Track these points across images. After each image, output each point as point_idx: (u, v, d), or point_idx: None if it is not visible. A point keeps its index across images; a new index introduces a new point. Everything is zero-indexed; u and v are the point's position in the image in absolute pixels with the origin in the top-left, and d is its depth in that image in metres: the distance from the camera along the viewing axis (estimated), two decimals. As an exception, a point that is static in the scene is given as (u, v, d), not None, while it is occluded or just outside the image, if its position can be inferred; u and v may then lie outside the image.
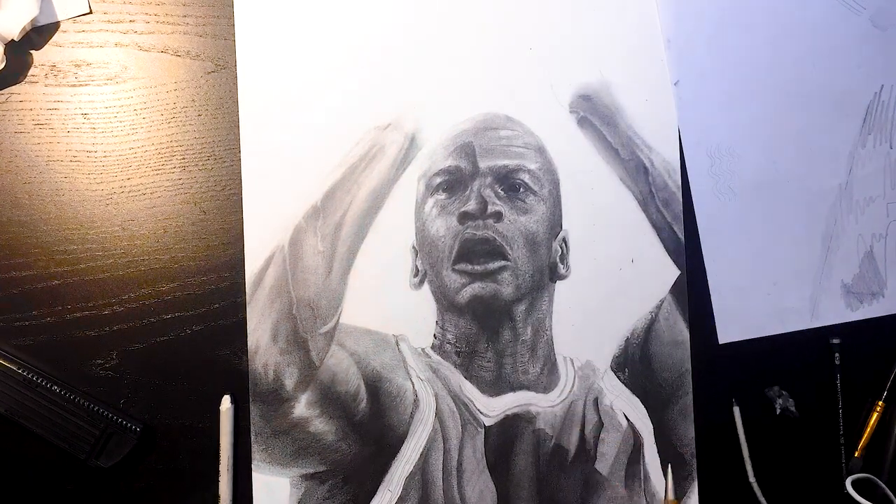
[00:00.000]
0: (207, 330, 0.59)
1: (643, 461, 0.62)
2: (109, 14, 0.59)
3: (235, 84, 0.60)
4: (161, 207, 0.59)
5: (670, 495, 0.61)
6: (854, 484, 0.61)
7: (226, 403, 0.58)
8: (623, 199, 0.63)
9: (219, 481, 0.58)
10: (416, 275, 0.61)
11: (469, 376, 0.61)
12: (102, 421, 0.57)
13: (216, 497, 0.58)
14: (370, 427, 0.60)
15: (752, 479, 0.62)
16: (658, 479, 0.62)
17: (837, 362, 0.64)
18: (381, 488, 0.60)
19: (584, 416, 0.62)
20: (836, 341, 0.64)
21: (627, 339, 0.62)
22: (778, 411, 0.63)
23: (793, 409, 0.63)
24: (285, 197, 0.59)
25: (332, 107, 0.60)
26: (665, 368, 0.63)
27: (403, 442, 0.60)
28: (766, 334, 0.64)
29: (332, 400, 0.60)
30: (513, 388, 0.61)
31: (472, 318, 0.61)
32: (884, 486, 0.63)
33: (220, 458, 0.58)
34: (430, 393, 0.60)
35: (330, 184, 0.60)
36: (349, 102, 0.60)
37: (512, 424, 0.61)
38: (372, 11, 0.61)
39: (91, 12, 0.59)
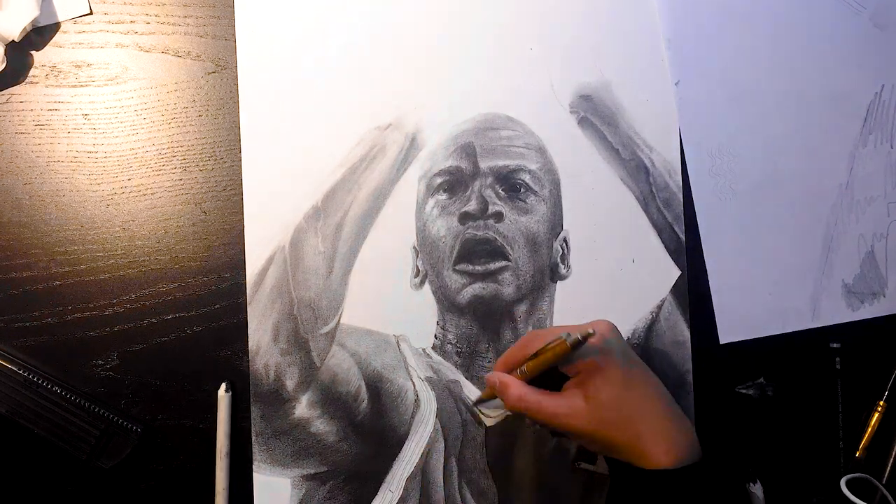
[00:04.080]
0: (208, 330, 0.59)
1: (644, 461, 0.62)
2: (110, 15, 0.59)
3: (236, 84, 0.60)
4: (162, 208, 0.59)
5: None
6: (851, 484, 0.61)
7: (223, 390, 0.58)
8: (624, 199, 0.63)
9: (215, 470, 0.58)
10: (416, 275, 0.61)
11: (470, 377, 0.61)
12: (103, 422, 0.57)
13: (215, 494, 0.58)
14: (371, 427, 0.60)
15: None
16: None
17: (838, 367, 0.64)
18: (381, 489, 0.60)
19: (585, 417, 0.62)
20: (836, 345, 0.64)
21: (628, 339, 0.62)
22: (757, 395, 0.63)
23: (770, 393, 0.63)
24: (286, 197, 0.59)
25: (333, 107, 0.60)
26: (666, 368, 0.62)
27: (404, 442, 0.60)
28: (767, 334, 0.64)
29: (332, 400, 0.59)
30: (514, 389, 0.61)
31: (473, 318, 0.61)
32: (881, 486, 0.62)
33: (217, 444, 0.58)
34: (430, 393, 0.60)
35: (330, 184, 0.60)
36: (350, 103, 0.60)
37: (513, 425, 0.61)
38: (372, 12, 0.61)
39: (91, 13, 0.59)
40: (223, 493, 0.58)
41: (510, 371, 0.54)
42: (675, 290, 0.63)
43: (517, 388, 0.52)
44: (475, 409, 0.60)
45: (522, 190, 0.62)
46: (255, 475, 0.59)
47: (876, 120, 0.66)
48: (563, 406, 0.50)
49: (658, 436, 0.49)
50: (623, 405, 0.49)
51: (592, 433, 0.50)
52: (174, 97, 0.59)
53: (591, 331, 0.48)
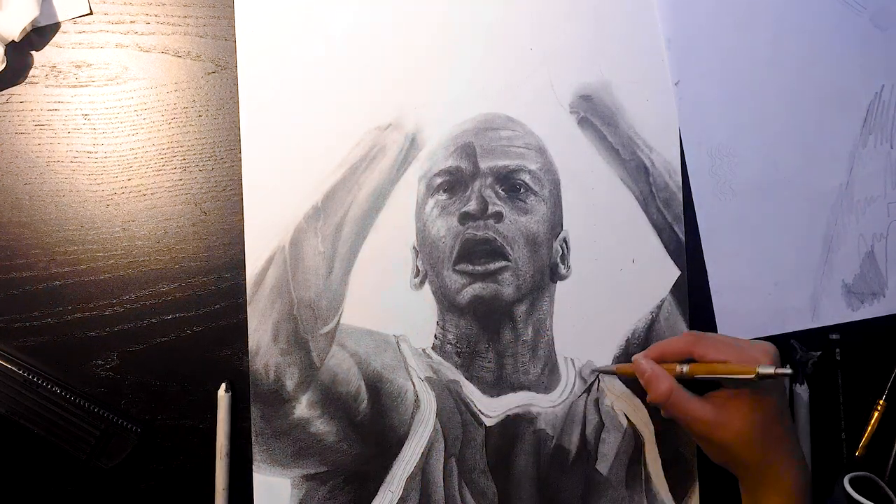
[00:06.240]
0: (208, 331, 0.59)
1: (644, 462, 0.62)
2: (110, 15, 0.59)
3: (236, 85, 0.60)
4: (161, 208, 0.59)
5: None
6: (854, 482, 0.61)
7: (223, 390, 0.58)
8: (624, 199, 0.63)
9: (215, 470, 0.58)
10: (416, 275, 0.61)
11: (470, 377, 0.61)
12: (103, 422, 0.57)
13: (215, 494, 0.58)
14: (371, 428, 0.60)
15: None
16: (659, 479, 0.62)
17: (838, 358, 0.64)
18: (382, 489, 0.60)
19: (584, 417, 0.62)
20: (835, 336, 0.64)
21: (628, 339, 0.62)
22: (798, 356, 0.63)
23: (809, 369, 0.63)
24: (286, 197, 0.59)
25: (333, 107, 0.60)
26: (666, 368, 0.62)
27: (404, 443, 0.60)
28: (767, 334, 0.64)
29: (332, 400, 0.59)
30: (513, 389, 0.61)
31: (473, 318, 0.61)
32: (884, 485, 0.62)
33: (217, 444, 0.58)
34: (430, 393, 0.60)
35: (330, 184, 0.60)
36: (349, 103, 0.60)
37: (513, 425, 0.61)
38: (372, 11, 0.61)
39: (91, 13, 0.59)
40: (223, 493, 0.58)
41: (660, 362, 0.57)
42: (675, 290, 0.63)
43: (667, 383, 0.55)
44: (601, 371, 0.62)
45: (522, 190, 0.62)
46: (255, 475, 0.59)
47: (876, 120, 0.66)
48: (711, 414, 0.53)
49: (789, 470, 0.53)
50: (770, 432, 0.53)
51: (730, 446, 0.53)
52: (174, 97, 0.59)
53: (788, 370, 0.51)
